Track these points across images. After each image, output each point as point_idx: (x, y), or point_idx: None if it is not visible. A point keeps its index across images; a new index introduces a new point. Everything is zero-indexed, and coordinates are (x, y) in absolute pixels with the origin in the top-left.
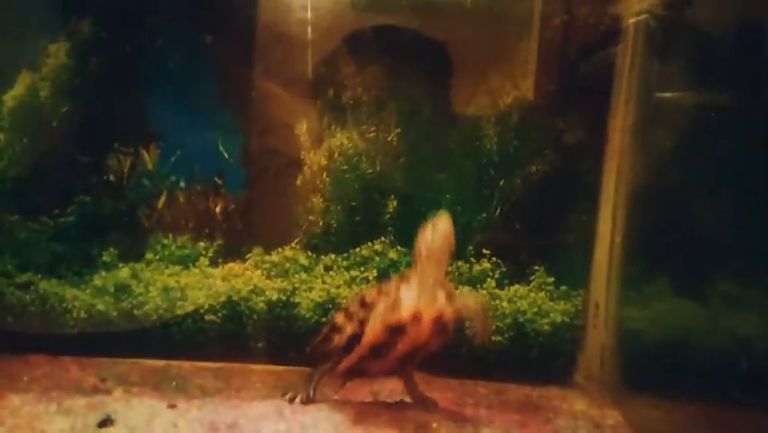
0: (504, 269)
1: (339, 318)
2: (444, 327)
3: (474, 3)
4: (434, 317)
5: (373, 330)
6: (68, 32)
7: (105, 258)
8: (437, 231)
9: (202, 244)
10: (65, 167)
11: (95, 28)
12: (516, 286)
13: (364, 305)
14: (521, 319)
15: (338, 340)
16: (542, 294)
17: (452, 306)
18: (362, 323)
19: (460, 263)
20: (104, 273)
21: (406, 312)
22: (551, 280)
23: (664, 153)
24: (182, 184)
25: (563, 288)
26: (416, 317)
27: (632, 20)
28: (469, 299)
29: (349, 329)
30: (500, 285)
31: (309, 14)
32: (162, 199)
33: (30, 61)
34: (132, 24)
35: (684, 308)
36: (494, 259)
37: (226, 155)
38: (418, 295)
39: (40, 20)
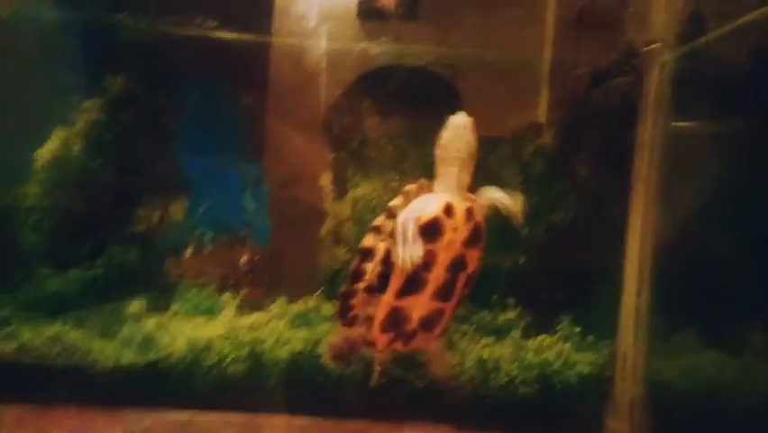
0: (529, 318)
1: (368, 241)
2: (478, 228)
3: (493, 54)
4: (466, 209)
5: (409, 235)
6: (102, 89)
7: (133, 309)
8: (453, 129)
9: (227, 294)
10: (96, 219)
11: (127, 84)
12: (543, 336)
13: (391, 215)
14: (548, 371)
15: (372, 268)
16: (568, 344)
17: (481, 201)
18: (393, 234)
19: (484, 313)
20: (130, 325)
21: (437, 204)
22: (577, 330)
23: (690, 200)
24: (209, 235)
25: (590, 338)
26: (449, 209)
27: (645, 49)
28: (494, 192)
29: (382, 247)
30: (526, 335)
31: (332, 69)
32: (189, 250)
33: (64, 117)
34: (163, 81)
35: (714, 359)
36: (519, 308)
37: (252, 206)
38: (444, 192)
39: (75, 77)
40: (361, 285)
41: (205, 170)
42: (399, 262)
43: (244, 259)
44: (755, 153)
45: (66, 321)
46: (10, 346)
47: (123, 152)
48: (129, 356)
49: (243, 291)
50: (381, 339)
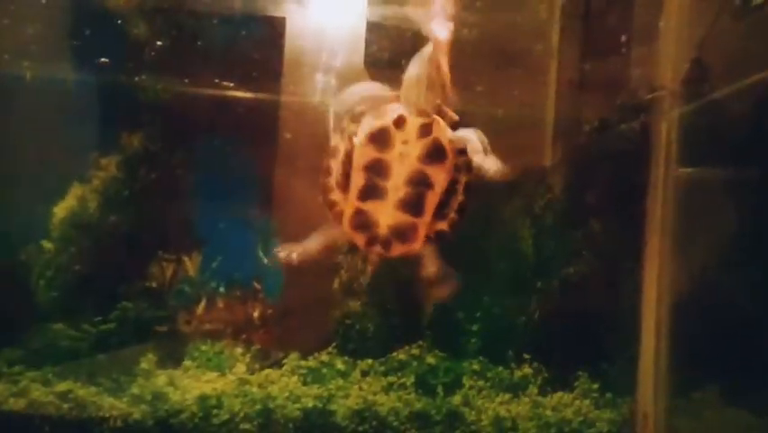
0: (546, 374)
1: (334, 140)
2: (436, 146)
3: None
4: (420, 125)
5: (360, 140)
6: (119, 147)
7: (144, 365)
8: (416, 58)
9: (239, 349)
10: (109, 275)
11: (144, 142)
12: (560, 393)
13: (355, 119)
14: (566, 430)
15: (335, 167)
16: (587, 402)
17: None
18: (351, 138)
19: (500, 369)
20: (141, 381)
21: (389, 116)
22: (595, 386)
23: (709, 251)
24: (221, 289)
25: (608, 395)
26: (400, 120)
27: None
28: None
29: (342, 148)
30: (543, 392)
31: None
32: (202, 305)
33: (82, 174)
34: (178, 139)
35: (737, 417)
36: (535, 364)
37: (265, 260)
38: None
39: (93, 135)
40: (332, 180)
41: (218, 225)
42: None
43: (256, 314)
44: None
45: (77, 377)
46: (20, 403)
47: (138, 209)
48: (139, 412)
49: (255, 347)
50: (357, 238)
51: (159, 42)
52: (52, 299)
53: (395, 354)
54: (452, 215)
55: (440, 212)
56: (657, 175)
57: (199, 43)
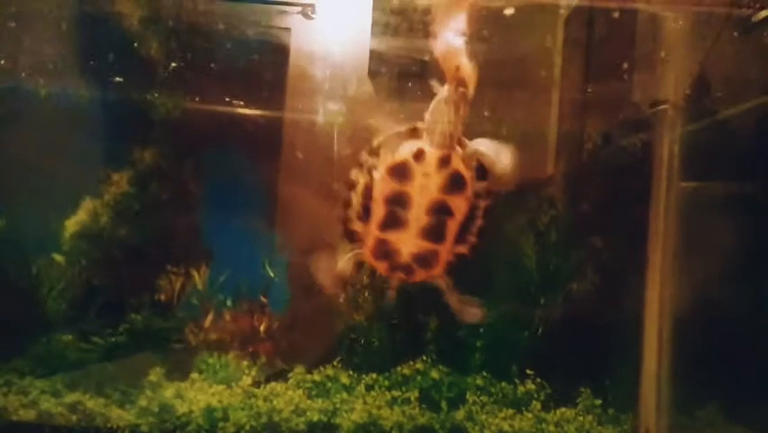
0: (549, 390)
1: (353, 174)
2: (456, 176)
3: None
4: (440, 156)
5: (380, 174)
6: (131, 162)
7: (152, 377)
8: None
9: (246, 362)
10: (119, 288)
11: (155, 158)
12: (563, 409)
13: (374, 153)
14: None
15: (355, 199)
16: (590, 417)
17: (464, 150)
18: (371, 171)
19: (503, 384)
20: (149, 393)
21: (409, 150)
22: (598, 402)
23: (711, 267)
24: (229, 303)
25: (611, 411)
26: (419, 154)
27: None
28: (480, 144)
29: (362, 181)
30: (546, 407)
31: (344, 140)
32: (210, 318)
33: (93, 189)
34: (189, 154)
35: None
36: (538, 380)
37: (272, 274)
38: (423, 139)
39: (105, 151)
40: (352, 212)
41: (226, 239)
42: None
43: (263, 327)
44: None
45: (86, 389)
46: (30, 413)
47: (148, 223)
48: (147, 424)
49: (261, 359)
50: (379, 266)
51: (170, 60)
52: (63, 311)
53: (399, 368)
54: (472, 238)
55: (460, 236)
56: (659, 191)
57: (209, 61)
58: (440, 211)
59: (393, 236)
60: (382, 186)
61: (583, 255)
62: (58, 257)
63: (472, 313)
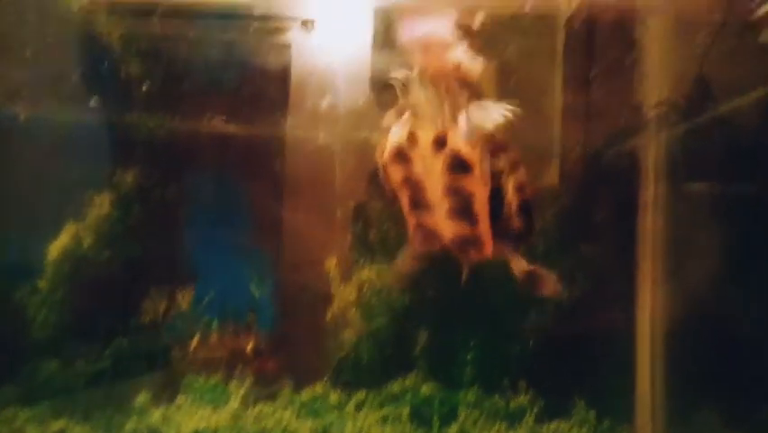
0: (542, 402)
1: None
2: (457, 156)
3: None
4: (434, 138)
5: (386, 158)
6: (113, 184)
7: (139, 402)
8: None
9: (233, 383)
10: (103, 312)
11: (138, 179)
12: (558, 421)
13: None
14: None
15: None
16: (584, 430)
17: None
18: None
19: (496, 398)
20: (136, 418)
21: (400, 134)
22: (592, 414)
23: (704, 273)
24: (215, 324)
25: (606, 423)
26: (411, 137)
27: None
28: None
29: (380, 164)
30: (540, 420)
31: (336, 156)
32: (196, 340)
33: (76, 212)
34: (173, 174)
35: None
36: (531, 392)
37: (258, 293)
38: (411, 119)
39: (87, 173)
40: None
41: (212, 258)
42: None
43: (250, 347)
44: None
45: (72, 416)
46: None
47: (132, 245)
48: None
49: (249, 380)
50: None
51: (151, 80)
52: (47, 336)
53: (389, 385)
54: (515, 221)
55: (500, 222)
56: (647, 198)
57: (191, 80)
58: (457, 193)
59: (428, 219)
60: (392, 170)
61: (573, 264)
62: (41, 283)
63: (548, 287)
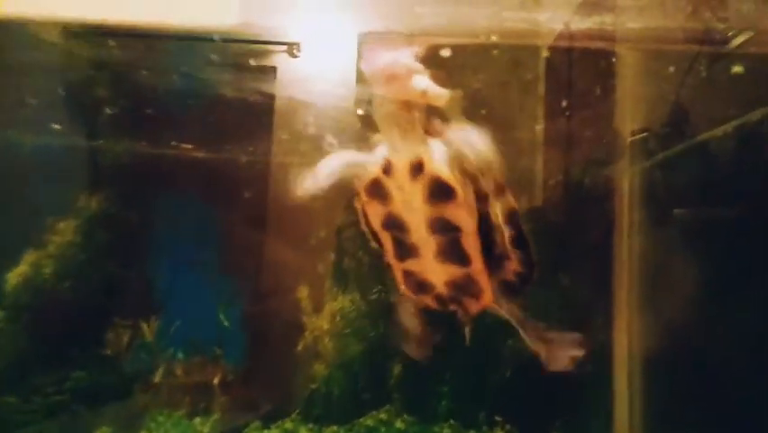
0: None
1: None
2: (437, 183)
3: None
4: (410, 164)
5: (363, 199)
6: (76, 210)
7: None
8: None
9: (198, 419)
10: (63, 343)
11: (102, 204)
12: None
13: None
14: None
15: (366, 230)
16: None
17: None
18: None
19: (472, 432)
20: None
21: (376, 163)
22: None
23: (675, 303)
24: (180, 355)
25: None
26: (387, 167)
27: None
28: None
29: (359, 208)
30: None
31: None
32: (159, 373)
33: (37, 239)
34: (138, 200)
35: None
36: (507, 426)
37: (226, 323)
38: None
39: (49, 199)
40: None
41: (178, 287)
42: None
43: (217, 380)
44: (749, 247)
45: None
46: None
47: (95, 273)
48: None
49: (216, 415)
50: (426, 301)
51: (117, 106)
52: (3, 369)
53: (362, 419)
54: (512, 257)
55: (494, 259)
56: (621, 228)
57: (156, 106)
58: (442, 228)
59: (415, 265)
60: (371, 211)
61: (550, 295)
62: None
63: (562, 356)
